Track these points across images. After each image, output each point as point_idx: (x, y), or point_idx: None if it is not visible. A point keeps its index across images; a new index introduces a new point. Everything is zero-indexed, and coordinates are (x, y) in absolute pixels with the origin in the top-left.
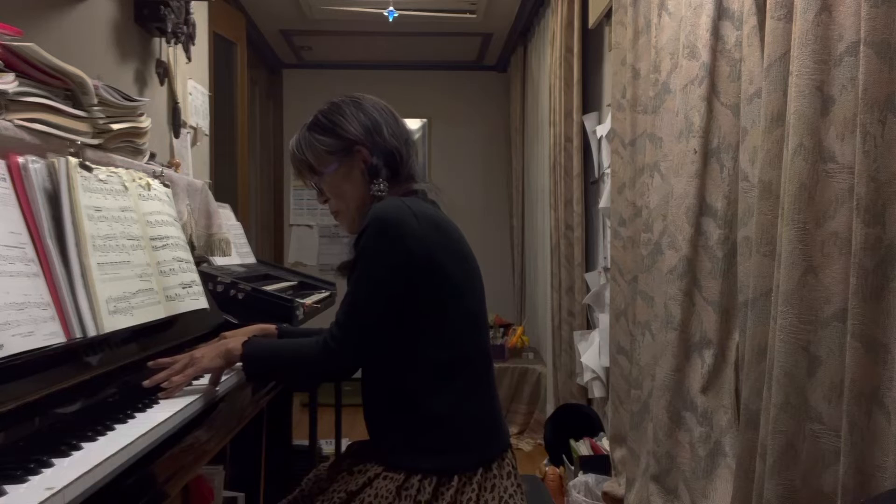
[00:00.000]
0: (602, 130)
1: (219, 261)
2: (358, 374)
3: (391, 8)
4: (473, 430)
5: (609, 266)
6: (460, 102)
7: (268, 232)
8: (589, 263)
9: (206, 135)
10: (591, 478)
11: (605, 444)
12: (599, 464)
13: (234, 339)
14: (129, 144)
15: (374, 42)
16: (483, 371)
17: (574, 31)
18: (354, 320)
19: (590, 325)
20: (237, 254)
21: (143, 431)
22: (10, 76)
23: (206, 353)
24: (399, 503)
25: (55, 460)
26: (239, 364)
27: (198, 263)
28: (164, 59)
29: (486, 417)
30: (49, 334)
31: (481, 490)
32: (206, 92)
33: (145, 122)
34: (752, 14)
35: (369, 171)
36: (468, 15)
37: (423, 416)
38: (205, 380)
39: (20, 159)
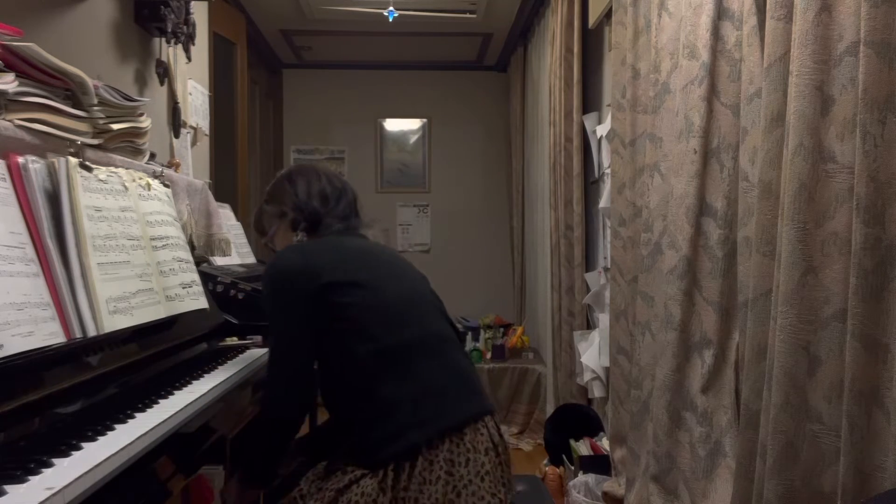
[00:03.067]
0: (602, 130)
1: (219, 261)
2: None
3: (391, 8)
4: (425, 405)
5: (609, 266)
6: (460, 102)
7: None
8: (589, 263)
9: (206, 135)
10: (591, 478)
11: (605, 444)
12: (599, 464)
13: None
14: (129, 144)
15: (374, 42)
16: (421, 352)
17: (574, 31)
18: (278, 375)
19: (590, 325)
20: (237, 254)
21: (143, 431)
22: (10, 76)
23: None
24: (382, 497)
25: (55, 460)
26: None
27: (198, 263)
28: (164, 59)
29: (437, 392)
30: (49, 334)
31: (454, 465)
32: (206, 92)
33: (145, 122)
34: (752, 14)
35: (292, 224)
36: (468, 15)
37: (376, 409)
38: (202, 382)
39: (20, 159)
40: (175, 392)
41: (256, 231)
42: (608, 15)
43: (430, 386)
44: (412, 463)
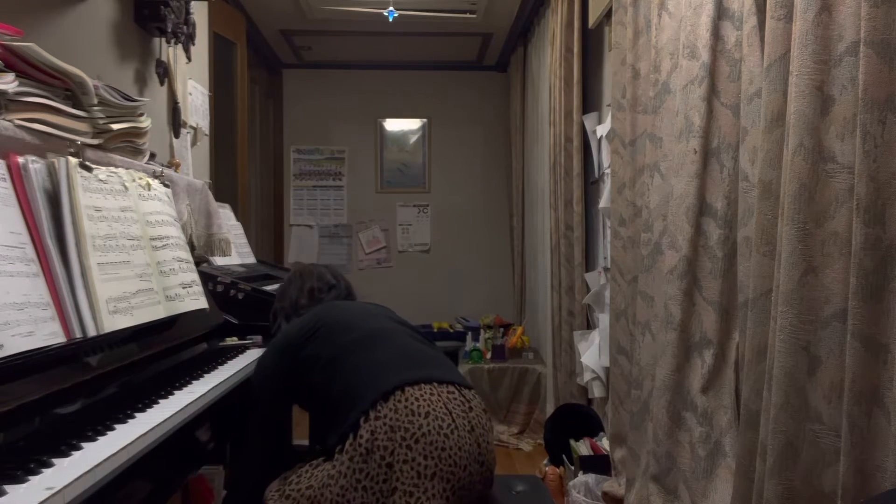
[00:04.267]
0: (602, 130)
1: (219, 261)
2: None
3: (391, 8)
4: (359, 386)
5: (609, 266)
6: (460, 102)
7: (268, 232)
8: (589, 263)
9: (206, 135)
10: (591, 478)
11: (605, 444)
12: (599, 464)
13: None
14: (129, 144)
15: (374, 42)
16: (364, 347)
17: (574, 31)
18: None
19: (590, 325)
20: (237, 254)
21: (143, 431)
22: (10, 76)
23: None
24: (334, 482)
25: (55, 460)
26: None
27: (198, 263)
28: (164, 59)
29: (374, 370)
30: (49, 334)
31: (373, 433)
32: (206, 92)
33: (145, 122)
34: (752, 14)
35: (285, 318)
36: (468, 15)
37: (328, 412)
38: (202, 382)
39: (20, 159)
40: (175, 392)
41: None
42: (608, 15)
43: (367, 369)
44: (352, 437)
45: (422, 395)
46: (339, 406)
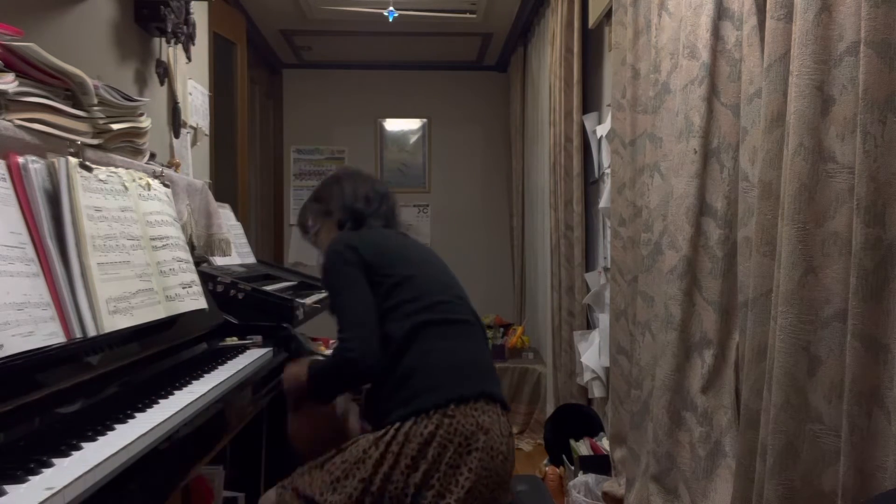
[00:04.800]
0: (602, 130)
1: (219, 261)
2: None
3: (391, 8)
4: (439, 374)
5: (609, 266)
6: (460, 102)
7: (268, 232)
8: (589, 263)
9: (206, 135)
10: (591, 478)
11: (605, 444)
12: (599, 464)
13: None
14: (129, 144)
15: (374, 42)
16: (444, 333)
17: (574, 31)
18: (348, 326)
19: (590, 325)
20: (237, 254)
21: (143, 431)
22: (10, 76)
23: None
24: (374, 450)
25: (55, 460)
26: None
27: (198, 263)
28: (164, 59)
29: (455, 366)
30: (49, 334)
31: (438, 427)
32: (206, 92)
33: (145, 122)
34: (752, 14)
35: (339, 225)
36: (468, 15)
37: (396, 378)
38: (202, 382)
39: (20, 159)
40: (175, 392)
41: (300, 226)
42: (608, 15)
43: (449, 360)
44: (415, 420)
45: (489, 411)
46: (408, 381)
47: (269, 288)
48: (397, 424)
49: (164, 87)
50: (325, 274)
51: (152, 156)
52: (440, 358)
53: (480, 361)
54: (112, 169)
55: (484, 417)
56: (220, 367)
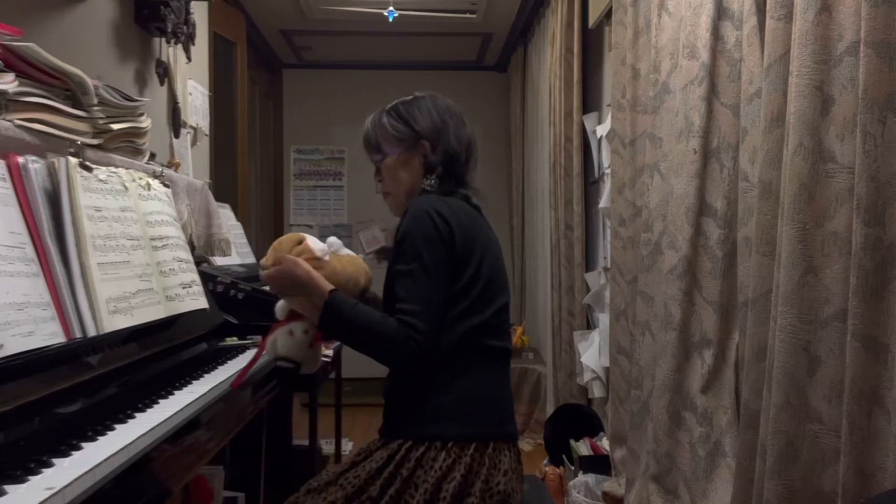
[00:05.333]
0: (602, 130)
1: (219, 261)
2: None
3: (391, 8)
4: (488, 404)
5: (609, 266)
6: (460, 102)
7: (268, 232)
8: (589, 263)
9: (206, 135)
10: (591, 478)
11: (605, 444)
12: (599, 464)
13: (321, 280)
14: (129, 144)
15: (374, 42)
16: (491, 357)
17: (574, 31)
18: (425, 308)
19: (590, 325)
20: (237, 254)
21: (143, 431)
22: (10, 76)
23: (292, 276)
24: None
25: (55, 460)
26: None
27: (198, 263)
28: (164, 59)
29: (494, 400)
30: (49, 334)
31: (470, 470)
32: (206, 92)
33: (145, 122)
34: (752, 14)
35: (427, 165)
36: (468, 15)
37: (437, 387)
38: (202, 382)
39: (20, 159)
40: (175, 392)
41: (367, 145)
42: (608, 15)
43: (496, 388)
44: (446, 446)
45: (514, 454)
46: (461, 395)
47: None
48: (459, 443)
49: (164, 87)
50: (413, 238)
51: (152, 156)
52: (484, 385)
53: (510, 398)
54: (112, 169)
55: (512, 463)
56: (220, 367)
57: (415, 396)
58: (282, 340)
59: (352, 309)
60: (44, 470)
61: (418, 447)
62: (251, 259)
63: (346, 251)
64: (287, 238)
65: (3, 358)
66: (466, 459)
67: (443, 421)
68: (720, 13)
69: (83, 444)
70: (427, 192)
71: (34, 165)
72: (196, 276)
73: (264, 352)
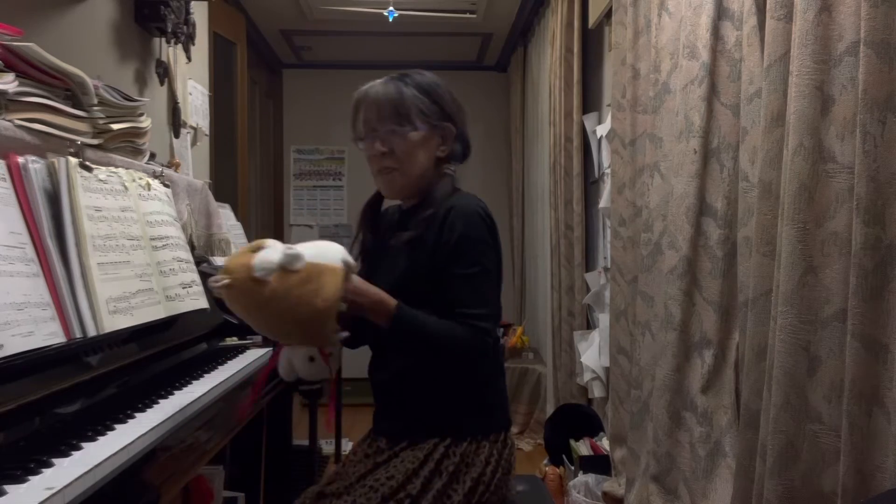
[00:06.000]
0: (602, 130)
1: (219, 261)
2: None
3: (391, 8)
4: (504, 393)
5: (609, 266)
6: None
7: (268, 232)
8: (589, 263)
9: (206, 135)
10: (591, 478)
11: (605, 444)
12: (599, 464)
13: (381, 294)
14: (129, 144)
15: (374, 42)
16: (497, 350)
17: (574, 31)
18: (490, 311)
19: (590, 325)
20: None
21: (143, 431)
22: (10, 76)
23: (359, 293)
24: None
25: (55, 460)
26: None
27: (198, 263)
28: (164, 59)
29: (505, 388)
30: (49, 334)
31: (511, 451)
32: (206, 92)
33: (145, 122)
34: (752, 14)
35: (450, 150)
36: (468, 15)
37: (478, 382)
38: (202, 382)
39: (20, 159)
40: (175, 392)
41: (388, 112)
42: (608, 15)
43: (502, 383)
44: (489, 438)
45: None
46: (486, 390)
47: None
48: (488, 434)
49: (164, 87)
50: (472, 242)
51: (152, 156)
52: (501, 377)
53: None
54: (112, 169)
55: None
56: (220, 367)
57: (454, 394)
58: (301, 365)
59: (418, 319)
60: (44, 470)
61: (460, 443)
62: None
63: (320, 261)
64: (245, 247)
65: (3, 358)
66: (499, 447)
67: (485, 415)
68: (720, 13)
69: (83, 444)
70: (446, 175)
71: (34, 165)
72: (196, 276)
73: (277, 369)
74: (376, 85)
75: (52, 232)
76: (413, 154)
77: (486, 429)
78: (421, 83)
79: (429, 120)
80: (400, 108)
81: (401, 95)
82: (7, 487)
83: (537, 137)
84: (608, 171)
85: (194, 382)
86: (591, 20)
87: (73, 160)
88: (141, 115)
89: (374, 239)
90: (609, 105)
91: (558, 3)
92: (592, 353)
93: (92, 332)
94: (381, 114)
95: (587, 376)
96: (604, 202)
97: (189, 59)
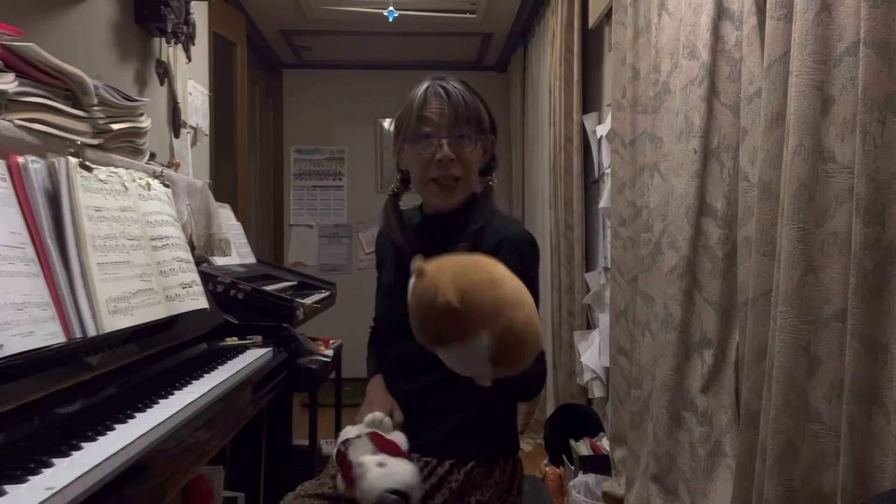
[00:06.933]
0: (602, 130)
1: (219, 261)
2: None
3: (391, 8)
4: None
5: (609, 266)
6: None
7: (268, 232)
8: (589, 263)
9: (206, 135)
10: (591, 478)
11: (605, 444)
12: (599, 464)
13: None
14: (129, 144)
15: (374, 42)
16: None
17: (574, 31)
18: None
19: (590, 325)
20: (237, 254)
21: (143, 431)
22: (10, 76)
23: None
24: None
25: (55, 460)
26: None
27: (198, 263)
28: (164, 59)
29: None
30: (49, 334)
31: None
32: (206, 92)
33: (145, 122)
34: (752, 14)
35: (489, 161)
36: (468, 15)
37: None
38: (202, 382)
39: (20, 159)
40: (175, 392)
41: (469, 116)
42: (608, 15)
43: None
44: (479, 462)
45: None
46: (511, 411)
47: (269, 288)
48: (454, 459)
49: (164, 87)
50: (532, 273)
51: (152, 156)
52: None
53: None
54: (112, 169)
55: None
56: (220, 367)
57: (497, 415)
58: (379, 476)
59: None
60: (44, 470)
61: (493, 466)
62: (251, 259)
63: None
64: None
65: (3, 358)
66: (517, 467)
67: (514, 435)
68: (720, 13)
69: (83, 444)
70: (489, 187)
71: (34, 165)
72: (196, 276)
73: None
74: (450, 83)
75: (52, 232)
76: (474, 165)
77: (516, 449)
78: (475, 90)
79: (483, 130)
80: (480, 115)
81: (476, 102)
82: (7, 487)
83: (537, 137)
84: (608, 171)
85: (194, 382)
86: (591, 20)
87: (73, 160)
88: (141, 115)
89: (413, 246)
90: (609, 105)
91: (558, 3)
92: (592, 353)
93: (92, 332)
94: (458, 117)
95: (587, 376)
96: (604, 202)
97: (189, 59)
